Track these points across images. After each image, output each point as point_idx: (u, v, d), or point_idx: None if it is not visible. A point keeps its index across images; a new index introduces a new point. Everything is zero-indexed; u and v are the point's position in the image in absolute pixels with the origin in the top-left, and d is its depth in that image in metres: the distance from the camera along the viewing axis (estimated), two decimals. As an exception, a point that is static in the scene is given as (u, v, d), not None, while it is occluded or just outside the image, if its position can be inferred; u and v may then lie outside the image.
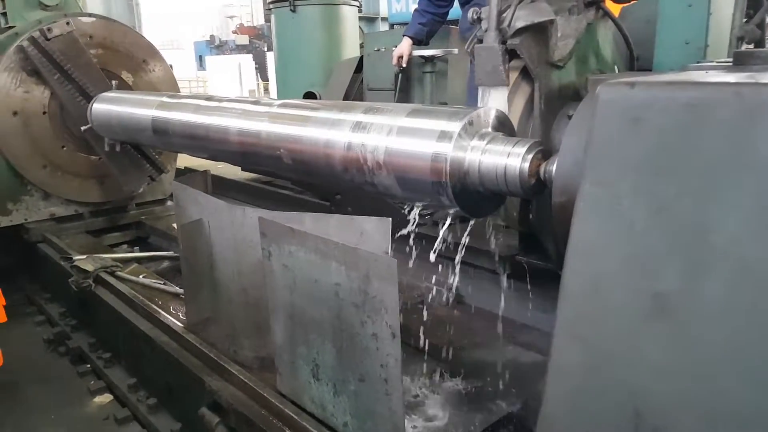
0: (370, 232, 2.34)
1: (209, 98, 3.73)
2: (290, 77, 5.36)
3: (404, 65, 4.03)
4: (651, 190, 1.24)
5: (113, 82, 4.90)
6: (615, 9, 3.15)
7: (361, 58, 4.63)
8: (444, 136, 2.15)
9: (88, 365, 4.05)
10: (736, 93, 1.19)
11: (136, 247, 5.15)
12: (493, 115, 2.23)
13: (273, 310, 2.47)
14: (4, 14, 5.91)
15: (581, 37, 2.56)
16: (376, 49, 4.37)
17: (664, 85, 1.28)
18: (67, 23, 4.78)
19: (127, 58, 5.35)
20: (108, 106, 4.55)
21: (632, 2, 3.00)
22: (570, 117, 2.55)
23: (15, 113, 4.83)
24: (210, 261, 2.95)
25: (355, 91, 4.71)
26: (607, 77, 2.51)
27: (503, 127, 2.25)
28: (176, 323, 3.19)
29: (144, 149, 5.07)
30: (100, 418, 3.60)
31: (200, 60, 32.19)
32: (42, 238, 4.93)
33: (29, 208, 5.02)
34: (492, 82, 2.48)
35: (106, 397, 3.79)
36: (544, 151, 2.06)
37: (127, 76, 5.34)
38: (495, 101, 2.48)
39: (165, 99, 3.98)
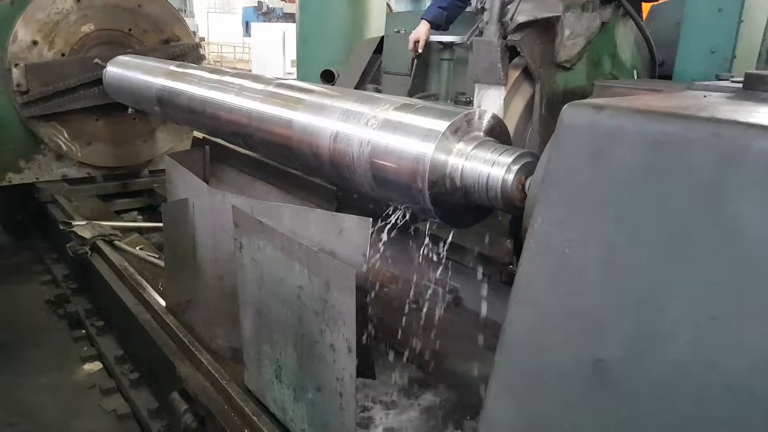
0: (349, 231, 2.20)
1: (214, 71, 3.62)
2: (310, 53, 5.16)
3: (420, 50, 3.81)
4: (605, 238, 1.07)
5: (95, 60, 4.82)
6: (644, 8, 2.91)
7: (382, 39, 4.43)
8: (427, 135, 1.99)
9: (83, 331, 4.04)
10: (714, 134, 1.01)
11: (139, 217, 5.10)
12: (487, 118, 2.04)
13: (242, 303, 2.37)
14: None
15: (594, 37, 2.35)
16: (395, 30, 4.16)
17: (636, 114, 1.09)
18: (15, 65, 4.68)
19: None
20: (120, 70, 4.48)
21: (662, 0, 2.76)
22: (573, 124, 2.37)
23: None
24: (193, 243, 2.87)
25: (373, 73, 4.52)
26: (616, 84, 2.32)
27: (498, 132, 2.07)
28: (160, 302, 3.13)
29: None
30: (87, 387, 3.59)
31: (247, 26, 31.98)
32: (51, 199, 4.92)
33: (41, 168, 5.01)
34: (488, 80, 2.30)
35: (95, 365, 3.77)
36: (534, 162, 1.88)
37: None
38: (490, 101, 2.30)
39: (173, 68, 3.88)
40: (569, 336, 1.08)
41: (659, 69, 2.78)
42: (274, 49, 21.78)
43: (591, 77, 2.46)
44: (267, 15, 33.91)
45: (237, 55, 29.68)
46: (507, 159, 1.85)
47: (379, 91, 4.26)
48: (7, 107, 4.77)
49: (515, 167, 1.83)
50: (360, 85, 4.49)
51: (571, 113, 1.17)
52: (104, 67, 4.65)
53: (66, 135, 4.96)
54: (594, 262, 1.07)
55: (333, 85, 4.81)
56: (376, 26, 5.12)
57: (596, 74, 2.47)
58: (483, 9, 2.32)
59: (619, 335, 1.02)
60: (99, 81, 4.77)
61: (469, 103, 3.58)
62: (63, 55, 4.87)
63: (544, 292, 1.13)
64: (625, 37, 2.58)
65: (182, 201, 2.86)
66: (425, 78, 4.02)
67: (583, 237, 1.09)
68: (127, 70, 4.39)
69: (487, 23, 2.25)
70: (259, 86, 2.96)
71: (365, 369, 2.51)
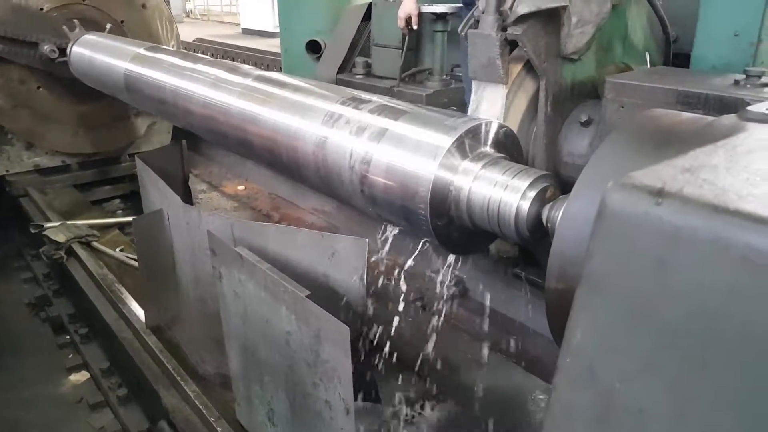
0: (343, 253, 2.00)
1: (185, 56, 3.32)
2: (294, 22, 4.79)
3: (415, 27, 3.51)
4: (675, 379, 0.82)
5: (74, 20, 4.38)
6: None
7: (370, 5, 4.10)
8: (429, 150, 1.74)
9: (68, 336, 3.84)
10: None
11: (119, 211, 4.84)
12: (496, 129, 1.79)
13: (227, 335, 2.16)
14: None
15: (604, 22, 2.07)
16: (384, -2, 3.83)
17: (712, 213, 0.81)
18: None
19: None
20: (86, 51, 4.13)
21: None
22: (583, 123, 2.12)
23: None
24: (172, 256, 2.64)
25: (362, 43, 4.21)
26: (632, 80, 2.02)
27: (508, 146, 1.82)
28: (141, 318, 2.91)
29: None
30: (74, 401, 3.40)
31: (232, -24, 30.70)
32: (24, 192, 4.64)
33: (11, 159, 4.71)
34: (487, 77, 2.03)
35: (82, 375, 3.57)
36: (553, 186, 1.63)
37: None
38: (490, 101, 2.04)
39: (142, 51, 3.58)
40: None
41: (673, 46, 2.52)
42: (263, 5, 20.84)
43: (601, 65, 2.19)
44: (251, -31, 32.58)
45: (224, 8, 28.71)
46: (522, 183, 1.61)
47: (369, 65, 3.99)
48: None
49: (531, 193, 1.59)
50: (349, 57, 4.20)
51: (618, 199, 0.89)
52: (78, 32, 4.30)
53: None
54: (657, 407, 0.83)
55: (320, 56, 4.51)
56: (362, -10, 4.75)
57: (606, 62, 2.21)
58: (478, -5, 2.03)
59: None
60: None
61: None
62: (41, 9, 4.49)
63: (587, 435, 0.90)
64: (638, 16, 2.30)
65: (156, 213, 2.62)
66: (418, 50, 3.74)
67: (642, 370, 0.85)
68: (93, 52, 4.06)
69: (483, 13, 1.97)
70: (237, 78, 2.68)
71: (370, 392, 2.34)
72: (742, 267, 0.76)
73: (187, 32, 15.51)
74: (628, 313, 0.88)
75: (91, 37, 4.30)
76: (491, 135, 1.77)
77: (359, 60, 4.04)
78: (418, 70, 3.68)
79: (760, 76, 1.83)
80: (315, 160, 2.13)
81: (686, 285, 0.82)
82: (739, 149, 1.06)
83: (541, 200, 1.59)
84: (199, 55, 3.34)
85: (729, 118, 1.28)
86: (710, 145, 1.07)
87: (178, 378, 2.47)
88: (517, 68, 2.06)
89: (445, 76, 3.61)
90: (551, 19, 1.96)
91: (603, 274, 0.91)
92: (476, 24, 2.02)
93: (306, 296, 1.68)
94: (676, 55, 2.55)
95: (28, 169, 4.78)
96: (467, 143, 1.73)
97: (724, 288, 0.79)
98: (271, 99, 2.43)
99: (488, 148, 1.77)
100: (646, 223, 0.86)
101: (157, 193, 2.68)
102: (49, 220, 4.09)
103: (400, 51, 3.66)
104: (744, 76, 1.85)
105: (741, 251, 0.76)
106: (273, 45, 6.14)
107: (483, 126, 1.76)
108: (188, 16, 28.94)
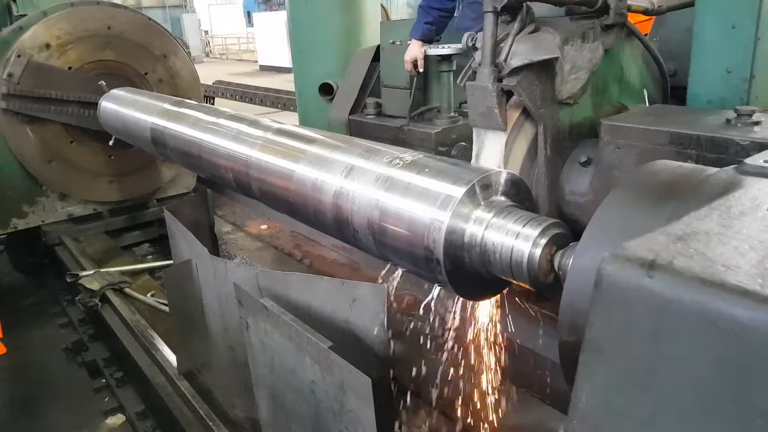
0: (364, 300, 2.07)
1: (209, 111, 3.47)
2: (306, 66, 4.95)
3: (421, 70, 3.66)
4: None
5: (101, 83, 4.67)
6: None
7: (379, 47, 4.25)
8: (442, 200, 1.81)
9: (104, 380, 3.99)
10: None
11: (148, 255, 5.02)
12: (506, 177, 1.86)
13: (255, 382, 2.28)
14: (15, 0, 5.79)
15: (597, 67, 2.17)
16: (391, 41, 3.97)
17: (700, 285, 0.84)
18: (18, 56, 4.51)
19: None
20: (115, 106, 4.34)
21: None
22: (583, 163, 2.21)
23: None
24: (201, 305, 2.77)
25: (372, 84, 4.36)
26: (626, 122, 2.10)
27: (518, 194, 1.89)
28: (173, 363, 3.04)
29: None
30: (109, 445, 3.55)
31: (249, 16, 31.61)
32: (59, 241, 4.85)
33: (46, 210, 4.92)
34: (487, 125, 2.13)
35: (118, 418, 3.72)
36: (563, 234, 1.70)
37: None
38: (490, 147, 2.14)
39: (167, 106, 3.74)
40: None
41: (671, 80, 2.60)
42: (279, 38, 21.28)
43: (598, 106, 2.29)
44: (267, 3, 33.29)
45: (241, 46, 29.48)
46: (533, 231, 1.67)
47: (379, 105, 4.13)
48: (3, 153, 4.67)
49: (542, 241, 1.65)
50: (360, 98, 4.35)
51: (613, 270, 0.94)
52: (105, 91, 4.52)
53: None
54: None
55: (333, 97, 4.66)
56: (371, 33, 4.91)
57: (603, 103, 2.30)
58: (474, 47, 2.14)
59: None
60: (93, 104, 4.64)
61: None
62: (69, 68, 4.76)
63: None
64: (632, 56, 2.39)
65: (185, 264, 2.76)
66: (426, 90, 3.87)
67: (646, 434, 0.91)
68: (121, 106, 4.26)
69: (479, 65, 2.08)
70: (258, 132, 2.81)
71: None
72: (729, 340, 0.81)
73: (208, 72, 15.92)
74: (628, 379, 0.94)
75: (118, 92, 4.51)
76: (500, 183, 1.85)
77: (370, 101, 4.17)
78: (427, 109, 3.80)
79: (750, 115, 1.89)
80: (333, 210, 2.24)
81: (679, 355, 0.87)
82: (733, 210, 1.09)
83: (552, 247, 1.66)
84: (221, 108, 3.48)
85: (727, 172, 1.32)
86: (705, 207, 1.10)
87: (210, 423, 2.58)
88: (515, 114, 2.15)
89: (452, 113, 3.73)
90: (545, 68, 2.07)
91: (603, 341, 0.97)
92: (474, 75, 2.13)
93: (329, 347, 1.78)
94: (675, 88, 2.62)
95: (62, 218, 4.99)
96: (478, 192, 1.80)
97: (714, 360, 0.83)
98: (291, 152, 2.55)
99: (499, 197, 1.84)
100: (640, 295, 0.90)
101: (185, 243, 2.82)
102: (83, 268, 4.27)
103: (409, 91, 3.79)
104: (735, 114, 1.92)
105: (727, 325, 0.81)
106: (290, 80, 6.38)
107: (493, 175, 1.83)
108: (208, 55, 29.78)
